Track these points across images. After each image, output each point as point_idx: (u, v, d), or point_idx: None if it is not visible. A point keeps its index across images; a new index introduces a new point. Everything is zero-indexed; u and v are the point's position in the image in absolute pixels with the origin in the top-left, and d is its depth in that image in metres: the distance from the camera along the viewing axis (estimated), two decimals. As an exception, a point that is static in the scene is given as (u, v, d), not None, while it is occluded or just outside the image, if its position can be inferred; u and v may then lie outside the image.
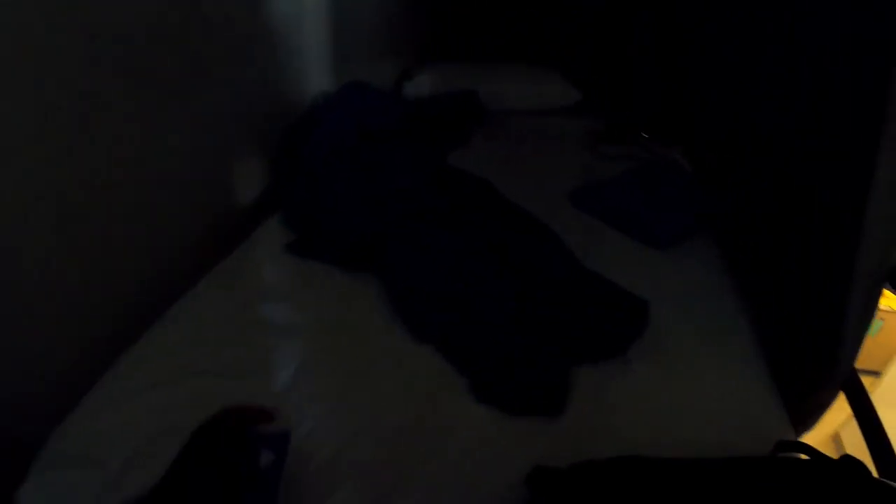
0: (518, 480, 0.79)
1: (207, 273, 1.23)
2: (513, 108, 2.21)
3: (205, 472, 0.62)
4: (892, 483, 0.71)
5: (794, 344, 1.07)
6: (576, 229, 1.43)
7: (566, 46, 2.45)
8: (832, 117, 0.95)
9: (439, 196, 1.47)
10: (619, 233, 1.45)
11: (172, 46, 1.11)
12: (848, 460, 0.75)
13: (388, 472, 0.83)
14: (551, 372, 0.98)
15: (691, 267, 1.36)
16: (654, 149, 1.92)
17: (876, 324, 3.29)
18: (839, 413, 1.29)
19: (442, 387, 0.98)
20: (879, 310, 3.62)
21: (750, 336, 1.17)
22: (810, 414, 1.05)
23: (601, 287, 1.14)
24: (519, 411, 0.92)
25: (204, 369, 0.98)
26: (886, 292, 1.22)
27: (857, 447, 0.97)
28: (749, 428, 0.96)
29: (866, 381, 3.27)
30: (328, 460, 0.84)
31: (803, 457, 0.82)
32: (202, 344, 1.03)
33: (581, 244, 1.35)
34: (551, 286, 1.14)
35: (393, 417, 0.92)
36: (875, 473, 1.08)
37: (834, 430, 2.67)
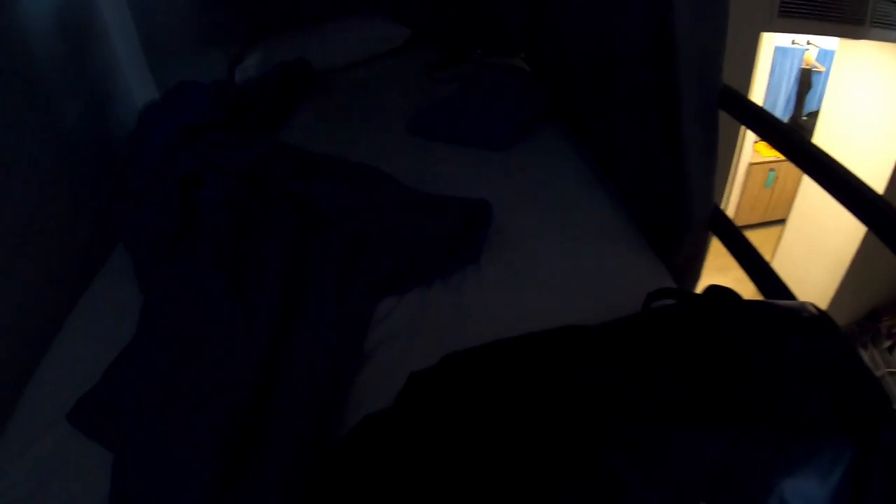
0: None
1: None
2: (345, 62, 2.06)
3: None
4: (759, 300, 0.69)
5: (652, 196, 0.98)
6: (414, 155, 1.30)
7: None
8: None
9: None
10: (459, 146, 1.32)
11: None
12: (713, 289, 0.70)
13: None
14: None
15: (539, 160, 1.27)
16: (491, 62, 1.81)
17: (769, 175, 3.38)
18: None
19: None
20: (769, 161, 3.72)
21: (612, 206, 1.08)
22: (688, 263, 0.96)
23: (431, 204, 0.99)
24: None
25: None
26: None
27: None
28: (631, 293, 0.85)
29: (775, 230, 3.35)
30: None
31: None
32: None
33: (418, 171, 1.20)
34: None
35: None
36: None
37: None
